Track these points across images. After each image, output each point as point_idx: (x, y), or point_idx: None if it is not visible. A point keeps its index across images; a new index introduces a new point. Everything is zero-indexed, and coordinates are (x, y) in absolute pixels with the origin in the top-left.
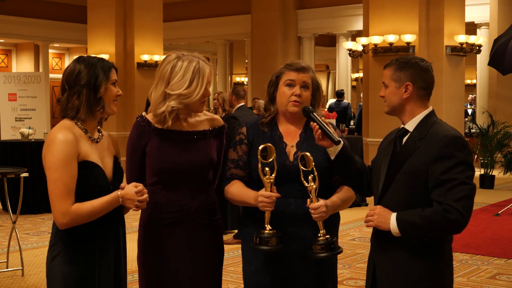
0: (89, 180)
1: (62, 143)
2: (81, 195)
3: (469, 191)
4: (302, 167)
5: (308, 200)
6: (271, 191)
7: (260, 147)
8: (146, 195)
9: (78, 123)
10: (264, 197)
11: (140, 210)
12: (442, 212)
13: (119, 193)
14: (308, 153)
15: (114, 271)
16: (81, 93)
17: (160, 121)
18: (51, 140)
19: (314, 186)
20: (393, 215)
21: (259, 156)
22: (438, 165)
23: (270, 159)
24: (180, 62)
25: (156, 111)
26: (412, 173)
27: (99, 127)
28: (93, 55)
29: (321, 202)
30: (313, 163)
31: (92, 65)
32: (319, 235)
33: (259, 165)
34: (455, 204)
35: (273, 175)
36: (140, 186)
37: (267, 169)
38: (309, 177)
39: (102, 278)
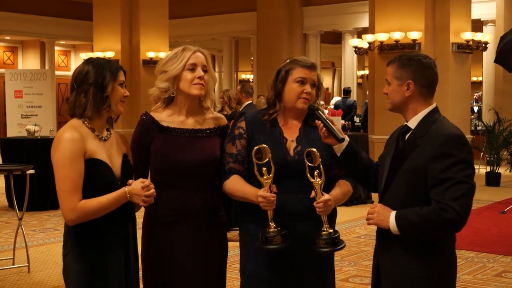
0: (97, 177)
1: (69, 141)
2: (89, 192)
3: (467, 190)
4: (308, 163)
5: (313, 192)
6: (271, 191)
7: (254, 149)
8: (152, 190)
9: (86, 122)
10: (263, 197)
11: (143, 208)
12: (439, 211)
13: (126, 189)
14: (314, 149)
15: (124, 266)
16: (88, 92)
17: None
18: (58, 139)
19: (319, 181)
20: (393, 214)
21: (253, 159)
22: (437, 164)
23: (265, 160)
24: (171, 51)
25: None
26: (412, 171)
27: (108, 126)
28: (102, 57)
29: (327, 196)
30: (320, 159)
31: (100, 66)
32: (322, 229)
33: (255, 167)
34: (453, 203)
35: (270, 174)
36: (147, 182)
37: (264, 169)
38: (315, 173)
39: (113, 274)
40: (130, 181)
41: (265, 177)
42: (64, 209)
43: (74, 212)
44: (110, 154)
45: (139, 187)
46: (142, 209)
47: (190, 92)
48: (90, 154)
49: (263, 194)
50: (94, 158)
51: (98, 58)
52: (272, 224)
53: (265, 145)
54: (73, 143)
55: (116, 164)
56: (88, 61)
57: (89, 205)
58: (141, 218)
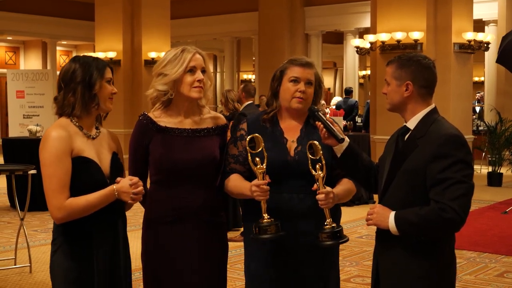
0: (84, 175)
1: (55, 140)
2: (78, 190)
3: (466, 190)
4: (310, 156)
5: (316, 185)
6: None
7: (248, 138)
8: (140, 188)
9: (74, 121)
10: (256, 186)
11: (145, 208)
12: (438, 211)
13: (114, 187)
14: (316, 142)
15: (112, 264)
16: (76, 90)
17: (152, 104)
18: (45, 137)
19: (321, 174)
20: (392, 214)
21: (247, 147)
22: (436, 164)
23: (259, 149)
24: (168, 52)
25: (148, 96)
26: (411, 172)
27: (97, 124)
28: (88, 55)
29: (329, 188)
30: (321, 152)
31: (87, 63)
32: (325, 223)
33: (249, 156)
34: (451, 203)
35: (264, 164)
36: (135, 179)
37: (257, 159)
38: (317, 166)
39: (101, 272)
40: (118, 178)
41: (258, 166)
42: (52, 207)
43: (61, 211)
44: (99, 152)
45: (127, 185)
46: (142, 210)
47: (190, 95)
48: (78, 152)
49: (256, 183)
50: (82, 156)
51: (84, 56)
52: (266, 215)
53: (258, 135)
54: (59, 142)
55: (105, 162)
56: (75, 59)
57: (76, 203)
58: (141, 218)
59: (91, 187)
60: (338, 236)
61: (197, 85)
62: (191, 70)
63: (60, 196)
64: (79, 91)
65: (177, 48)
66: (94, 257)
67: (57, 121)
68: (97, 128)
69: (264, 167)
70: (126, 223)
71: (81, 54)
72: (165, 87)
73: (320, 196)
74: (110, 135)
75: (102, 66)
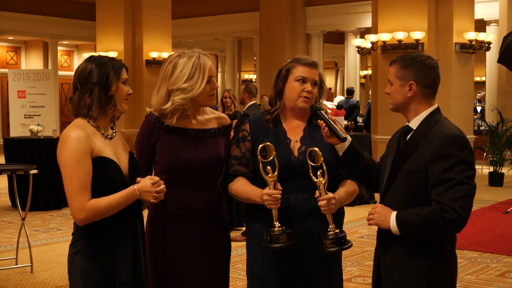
0: (105, 175)
1: (75, 140)
2: (98, 190)
3: (467, 191)
4: (310, 163)
5: (317, 192)
6: (275, 189)
7: (259, 147)
8: (163, 186)
9: (90, 121)
10: (268, 195)
11: (148, 208)
12: (439, 212)
13: (135, 186)
14: (316, 149)
15: (133, 264)
16: (93, 92)
17: (165, 117)
18: (64, 138)
19: (323, 181)
20: (393, 214)
21: (259, 156)
22: (437, 165)
23: (271, 158)
24: (180, 59)
25: (161, 108)
26: (412, 172)
27: (112, 124)
28: (104, 55)
29: (330, 195)
30: (322, 159)
31: (103, 64)
32: (328, 229)
33: (260, 165)
34: (453, 204)
35: (275, 173)
36: (156, 178)
37: (268, 167)
38: (318, 172)
39: (122, 273)
40: (138, 178)
41: (270, 175)
42: (74, 209)
43: (83, 212)
44: (116, 152)
45: (149, 184)
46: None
47: (208, 103)
48: (97, 152)
49: (268, 192)
50: (101, 156)
51: (100, 56)
52: (277, 224)
53: (269, 143)
54: (79, 142)
55: (123, 162)
56: (91, 59)
57: (98, 204)
58: (145, 217)
59: (111, 188)
60: (342, 242)
61: (213, 93)
62: (209, 81)
63: (82, 197)
64: (95, 92)
65: (190, 57)
66: (116, 258)
67: (73, 122)
68: (112, 128)
69: (276, 175)
70: (144, 223)
71: (97, 54)
72: (186, 101)
73: (322, 203)
74: (123, 135)
75: (118, 67)
